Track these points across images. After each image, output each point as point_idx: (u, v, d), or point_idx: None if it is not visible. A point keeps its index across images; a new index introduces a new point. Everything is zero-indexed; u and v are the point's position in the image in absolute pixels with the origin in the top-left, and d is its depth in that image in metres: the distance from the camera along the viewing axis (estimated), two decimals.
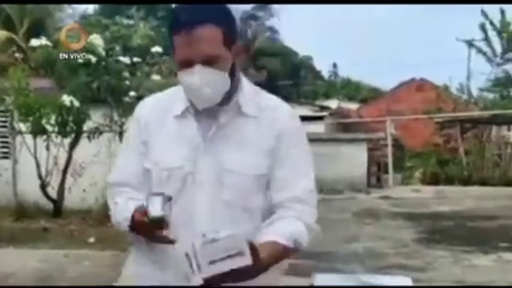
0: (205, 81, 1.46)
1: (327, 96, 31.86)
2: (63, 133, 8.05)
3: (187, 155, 1.51)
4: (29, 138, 8.08)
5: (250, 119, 1.54)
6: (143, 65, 9.42)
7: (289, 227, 1.48)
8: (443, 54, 65.86)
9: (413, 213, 9.47)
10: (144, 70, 9.37)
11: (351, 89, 36.82)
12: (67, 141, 8.15)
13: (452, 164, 15.20)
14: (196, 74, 1.45)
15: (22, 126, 8.12)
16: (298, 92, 32.21)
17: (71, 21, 23.07)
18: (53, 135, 8.01)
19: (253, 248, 1.30)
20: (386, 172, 14.30)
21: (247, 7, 37.54)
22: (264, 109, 1.56)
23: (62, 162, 8.15)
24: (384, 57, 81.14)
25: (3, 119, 9.21)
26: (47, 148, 7.97)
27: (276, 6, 37.18)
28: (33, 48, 9.98)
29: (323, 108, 22.26)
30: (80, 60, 7.95)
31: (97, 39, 8.39)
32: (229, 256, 1.25)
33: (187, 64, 1.45)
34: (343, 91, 35.54)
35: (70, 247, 6.29)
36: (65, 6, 21.13)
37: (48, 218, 7.78)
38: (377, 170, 14.74)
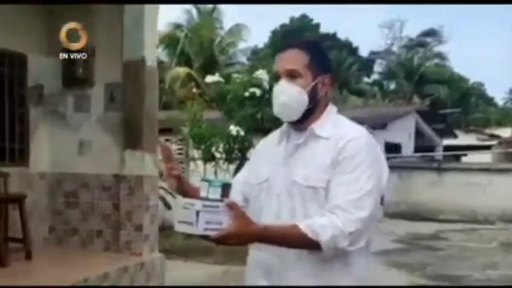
0: (283, 89, 1.82)
1: (500, 124, 29.73)
2: (229, 160, 8.91)
3: (271, 171, 1.86)
4: (200, 164, 9.04)
5: (322, 140, 1.79)
6: None
7: (313, 219, 1.66)
8: None
9: None
10: None
11: None
12: (232, 167, 8.98)
13: None
14: (279, 84, 1.83)
15: (195, 153, 9.13)
16: (467, 120, 30.65)
17: (244, 57, 24.87)
18: (221, 161, 8.89)
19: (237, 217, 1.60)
20: None
21: (415, 33, 36.87)
22: (336, 133, 1.78)
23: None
24: None
25: (180, 146, 10.42)
26: (215, 173, 8.86)
27: (446, 33, 36.01)
28: (208, 84, 11.18)
29: (492, 136, 21.01)
30: (246, 94, 8.80)
31: (262, 74, 9.20)
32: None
33: (277, 77, 1.88)
34: None
35: (231, 263, 6.97)
36: (238, 42, 22.69)
37: None
38: None
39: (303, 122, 1.85)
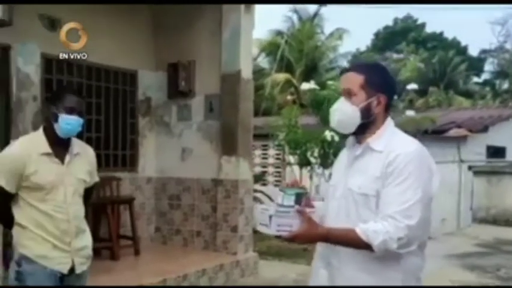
0: (339, 106, 2.07)
1: None
2: (324, 164, 9.09)
3: (337, 177, 2.16)
4: (296, 169, 9.32)
5: (376, 153, 2.00)
6: (398, 101, 9.98)
7: (368, 225, 1.91)
8: None
9: None
10: (399, 106, 9.89)
11: None
12: (328, 171, 9.15)
13: None
14: (337, 102, 2.10)
15: (291, 159, 9.41)
16: None
17: (344, 61, 24.81)
18: (316, 166, 9.10)
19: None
20: None
21: None
22: (389, 146, 1.98)
23: (322, 191, 9.17)
24: None
25: (278, 152, 10.78)
26: (310, 178, 9.09)
27: None
28: (305, 90, 11.49)
29: None
30: None
31: None
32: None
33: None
34: None
35: None
36: (338, 47, 22.63)
37: None
38: None
39: (360, 135, 2.08)
